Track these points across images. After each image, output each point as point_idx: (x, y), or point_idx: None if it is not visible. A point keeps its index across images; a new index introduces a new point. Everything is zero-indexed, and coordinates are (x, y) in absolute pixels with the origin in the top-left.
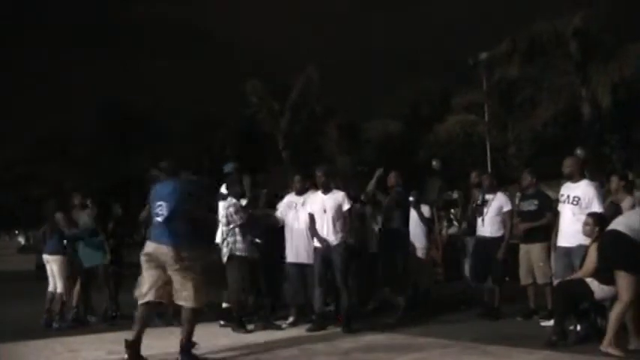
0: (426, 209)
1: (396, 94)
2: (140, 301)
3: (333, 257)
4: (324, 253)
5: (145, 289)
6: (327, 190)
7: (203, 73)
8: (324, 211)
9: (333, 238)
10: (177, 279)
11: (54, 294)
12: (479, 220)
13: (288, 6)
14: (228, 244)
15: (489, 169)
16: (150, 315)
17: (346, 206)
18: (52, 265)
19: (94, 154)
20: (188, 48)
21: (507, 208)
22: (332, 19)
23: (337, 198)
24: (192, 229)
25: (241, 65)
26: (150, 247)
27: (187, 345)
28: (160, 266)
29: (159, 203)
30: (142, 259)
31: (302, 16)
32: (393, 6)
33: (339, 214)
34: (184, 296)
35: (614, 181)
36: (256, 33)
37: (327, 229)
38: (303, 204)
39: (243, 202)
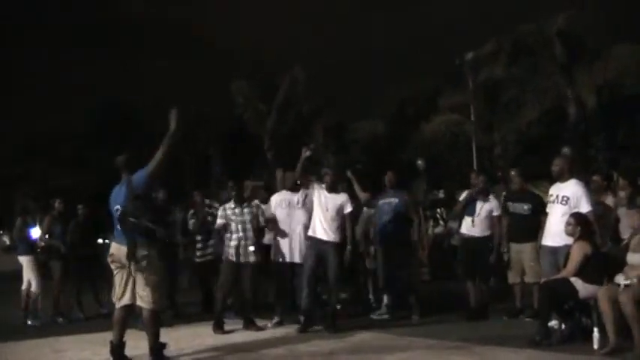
0: None
1: (393, 94)
2: (117, 305)
3: (328, 256)
4: (320, 250)
5: (119, 292)
6: (332, 190)
7: (203, 73)
8: (327, 210)
9: (330, 237)
10: (138, 279)
11: (28, 292)
12: (468, 219)
13: (288, 6)
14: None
15: (475, 170)
16: (127, 317)
17: (348, 209)
18: (24, 265)
19: (90, 154)
20: (188, 48)
21: (497, 212)
22: (332, 19)
23: (341, 199)
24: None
25: (241, 65)
26: (113, 248)
27: (156, 347)
28: (125, 267)
29: (116, 207)
30: (108, 260)
31: (302, 16)
32: (393, 6)
33: (340, 215)
34: (142, 297)
35: (597, 181)
36: (256, 33)
37: (326, 227)
38: (297, 202)
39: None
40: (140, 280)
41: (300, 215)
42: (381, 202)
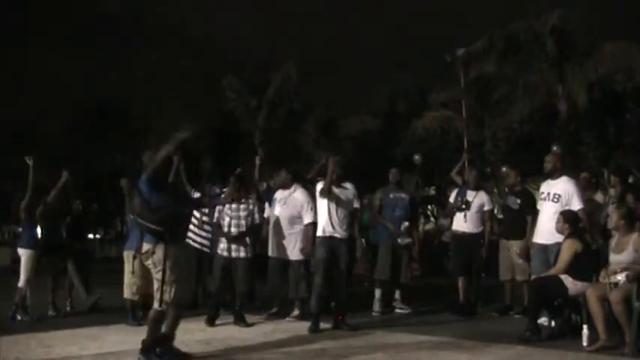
0: None
1: (384, 90)
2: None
3: (340, 252)
4: (332, 248)
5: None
6: (339, 185)
7: (193, 69)
8: (337, 206)
9: (342, 234)
10: (152, 275)
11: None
12: (460, 215)
13: (280, 4)
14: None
15: (466, 166)
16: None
17: (356, 204)
18: (23, 258)
19: (71, 150)
20: (180, 44)
21: (488, 207)
22: (324, 16)
23: (350, 194)
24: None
25: (233, 61)
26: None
27: (148, 345)
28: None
29: None
30: None
31: (294, 14)
32: (385, 2)
33: (349, 209)
34: (152, 293)
35: (585, 179)
36: (256, 31)
37: (336, 224)
38: (279, 200)
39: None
40: (154, 275)
41: (280, 212)
42: (391, 195)
